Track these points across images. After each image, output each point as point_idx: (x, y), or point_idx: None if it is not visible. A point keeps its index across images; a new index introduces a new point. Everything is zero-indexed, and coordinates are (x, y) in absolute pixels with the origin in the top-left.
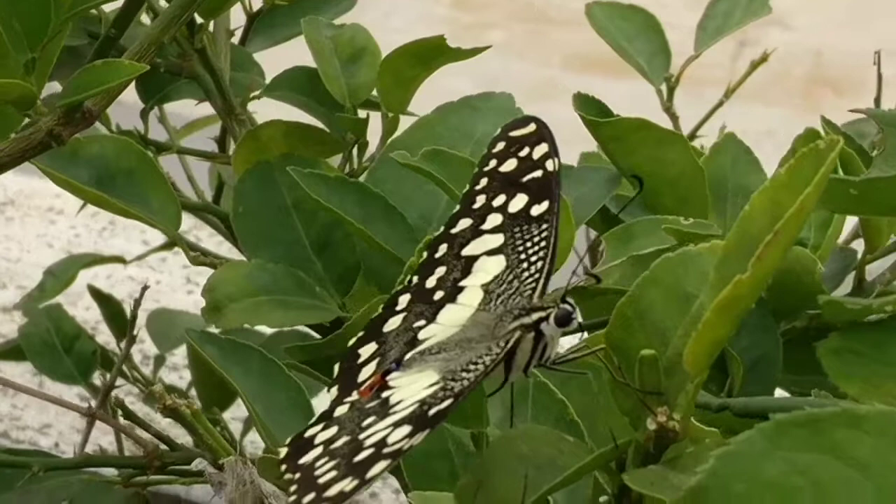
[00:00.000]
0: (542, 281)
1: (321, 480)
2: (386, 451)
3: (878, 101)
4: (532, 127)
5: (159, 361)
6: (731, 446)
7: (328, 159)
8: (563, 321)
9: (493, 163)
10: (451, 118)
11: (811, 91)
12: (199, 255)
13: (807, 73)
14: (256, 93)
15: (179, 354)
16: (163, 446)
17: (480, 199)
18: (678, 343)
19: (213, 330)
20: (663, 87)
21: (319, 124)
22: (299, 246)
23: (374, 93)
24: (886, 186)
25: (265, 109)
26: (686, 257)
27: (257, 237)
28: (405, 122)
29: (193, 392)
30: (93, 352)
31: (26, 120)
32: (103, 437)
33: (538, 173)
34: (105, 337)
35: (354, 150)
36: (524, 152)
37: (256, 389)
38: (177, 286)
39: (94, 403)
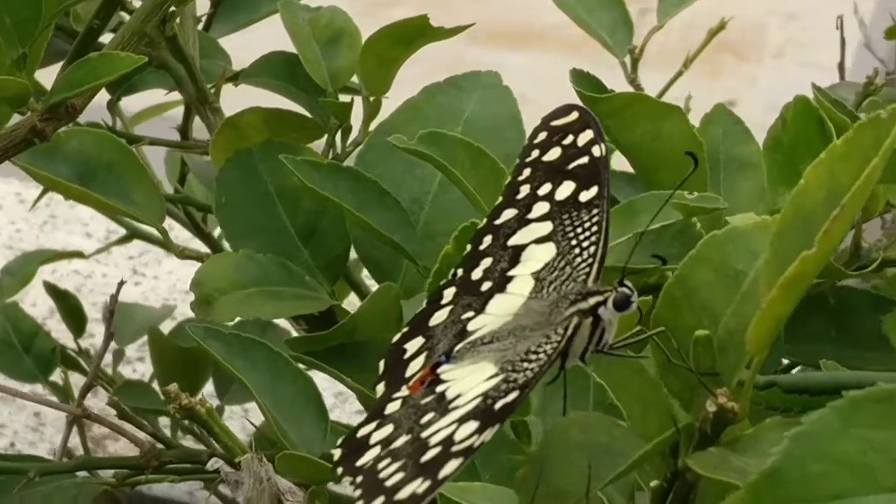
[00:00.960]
0: (595, 265)
1: (389, 483)
2: (455, 448)
3: (841, 64)
4: (575, 115)
5: (118, 356)
6: (804, 426)
7: (309, 145)
8: (622, 305)
9: (535, 153)
10: (437, 99)
11: (712, 56)
12: (184, 249)
13: (713, 41)
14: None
15: (131, 348)
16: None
17: (524, 189)
18: (730, 321)
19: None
20: (627, 60)
21: (299, 109)
22: (285, 235)
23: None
24: None
25: (233, 99)
26: (734, 234)
27: (242, 227)
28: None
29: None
30: (52, 349)
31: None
32: (59, 437)
33: (584, 160)
34: (54, 334)
35: (338, 136)
36: (568, 140)
37: (265, 383)
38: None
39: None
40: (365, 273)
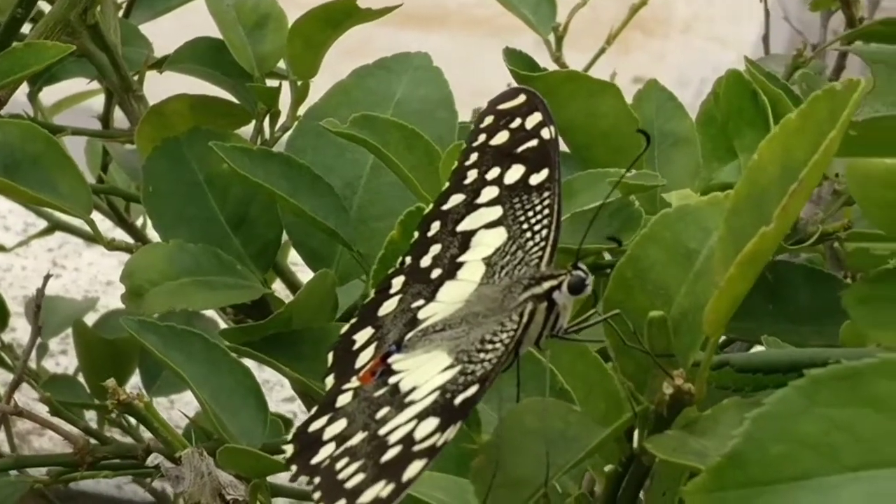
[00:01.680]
0: (548, 249)
1: (349, 485)
2: (417, 448)
3: (766, 37)
4: (522, 98)
5: (42, 350)
6: (765, 406)
7: (237, 131)
8: (577, 288)
9: (482, 137)
10: (367, 82)
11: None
12: (113, 240)
13: (615, 17)
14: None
15: (53, 341)
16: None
17: (472, 174)
18: (683, 301)
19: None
20: (551, 38)
21: (225, 96)
22: (215, 223)
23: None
24: (888, 126)
25: (157, 86)
26: (685, 213)
27: (171, 217)
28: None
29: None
30: None
31: None
32: None
33: (533, 142)
34: None
35: (266, 121)
36: (516, 123)
37: (202, 375)
38: (42, 271)
39: None
40: (290, 260)
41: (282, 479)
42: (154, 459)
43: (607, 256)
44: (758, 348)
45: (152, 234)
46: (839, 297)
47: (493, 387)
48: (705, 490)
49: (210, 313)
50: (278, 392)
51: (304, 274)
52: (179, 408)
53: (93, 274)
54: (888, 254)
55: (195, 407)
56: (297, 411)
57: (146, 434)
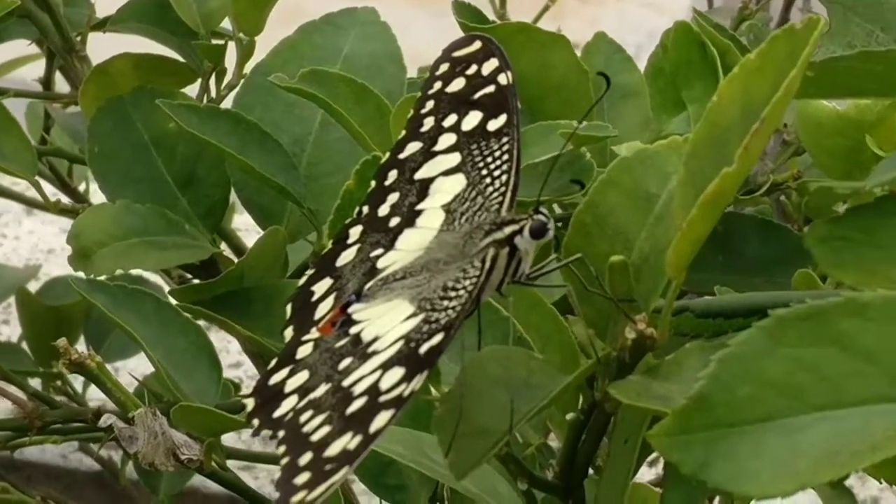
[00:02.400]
0: (509, 194)
1: (314, 437)
2: (383, 399)
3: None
4: (478, 44)
5: None
6: (731, 348)
7: (183, 90)
8: (539, 232)
9: (437, 84)
10: (314, 37)
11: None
12: (58, 202)
13: None
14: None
15: None
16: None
17: (428, 122)
18: (644, 246)
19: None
20: None
21: (170, 54)
22: (162, 183)
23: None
24: (845, 67)
25: (100, 46)
26: (644, 156)
27: (117, 177)
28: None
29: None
30: None
31: None
32: None
33: (490, 88)
34: None
35: (212, 79)
36: (472, 70)
37: (154, 335)
38: None
39: None
40: (236, 224)
41: (233, 439)
42: (107, 420)
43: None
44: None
45: (95, 199)
46: (789, 247)
47: (456, 337)
48: (671, 433)
49: (155, 278)
50: (224, 358)
51: (249, 239)
52: (123, 375)
53: (33, 242)
54: (849, 192)
55: (140, 374)
56: (242, 377)
57: (91, 402)
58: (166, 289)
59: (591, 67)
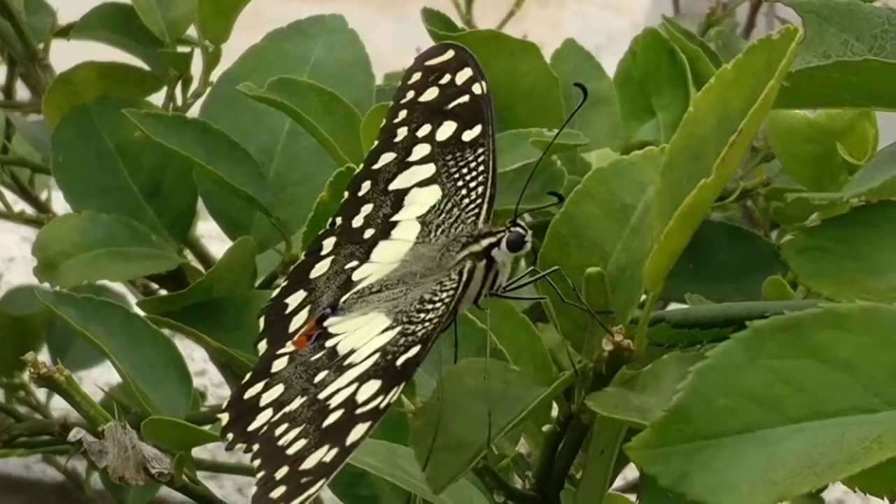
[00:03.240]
0: (485, 206)
1: (290, 451)
2: (360, 411)
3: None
4: (451, 53)
5: None
6: (709, 359)
7: (148, 98)
8: (516, 245)
9: (410, 94)
10: (282, 45)
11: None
12: (22, 212)
13: None
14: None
15: None
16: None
17: (402, 132)
18: (620, 257)
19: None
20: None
21: (135, 62)
22: (128, 193)
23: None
24: (821, 77)
25: (63, 55)
26: (620, 167)
27: (82, 187)
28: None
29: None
30: None
31: None
32: None
33: (465, 98)
34: None
35: (178, 87)
36: (445, 79)
37: (123, 348)
38: None
39: None
40: (200, 231)
41: (197, 449)
42: (76, 434)
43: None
44: (674, 306)
45: (57, 208)
46: (758, 254)
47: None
48: (649, 446)
49: (119, 289)
50: (188, 365)
51: (213, 246)
52: (87, 385)
53: None
54: (826, 203)
55: (104, 383)
56: (208, 384)
57: (55, 411)
58: (130, 298)
59: (559, 74)
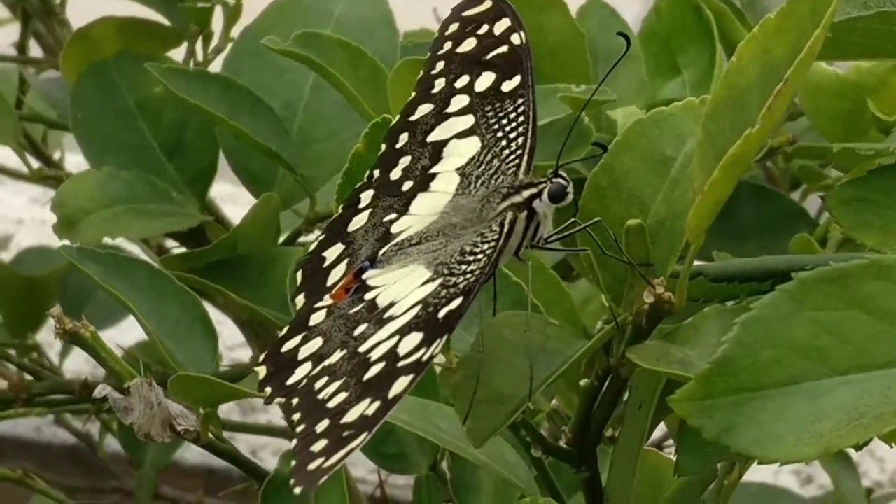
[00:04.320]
0: (525, 157)
1: (331, 404)
2: (402, 364)
3: None
4: (488, 4)
5: None
6: (754, 311)
7: (168, 53)
8: (558, 196)
9: (448, 45)
10: (304, 0)
11: None
12: (41, 169)
13: None
14: None
15: None
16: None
17: (439, 83)
18: (660, 209)
19: None
20: None
21: (155, 17)
22: (148, 149)
23: None
24: (862, 27)
25: (80, 10)
26: (659, 118)
27: (102, 144)
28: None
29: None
30: None
31: None
32: None
33: (503, 49)
34: None
35: (198, 43)
36: (483, 30)
37: (147, 304)
38: None
39: None
40: (212, 193)
41: (231, 412)
42: (102, 391)
43: None
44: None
45: (70, 168)
46: (782, 212)
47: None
48: (694, 398)
49: (132, 248)
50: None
51: (226, 209)
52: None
53: (3, 212)
54: (872, 154)
55: (117, 345)
56: (221, 347)
57: (67, 375)
58: (143, 258)
59: (585, 31)
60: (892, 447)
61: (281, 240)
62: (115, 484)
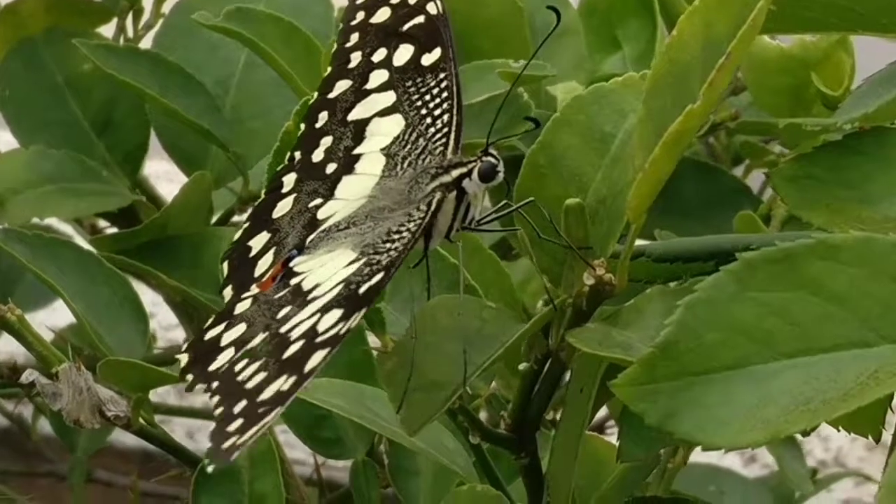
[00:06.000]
0: (453, 135)
1: (249, 385)
2: (320, 339)
3: None
4: None
5: None
6: (698, 293)
7: (97, 30)
8: (488, 175)
9: (360, 15)
10: None
11: None
12: None
13: None
14: None
15: None
16: None
17: (355, 57)
18: (600, 188)
19: None
20: None
21: None
22: (77, 128)
23: None
24: (807, 0)
25: None
26: (599, 94)
27: (30, 122)
28: None
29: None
30: None
31: None
32: None
33: (420, 19)
34: None
35: (128, 19)
36: None
37: (76, 286)
38: None
39: None
40: (147, 171)
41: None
42: (29, 376)
43: None
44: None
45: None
46: (724, 189)
47: (401, 287)
48: (636, 383)
49: (65, 230)
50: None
51: (161, 187)
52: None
53: None
54: (819, 129)
55: (47, 328)
56: (156, 327)
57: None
58: (78, 241)
59: (525, 4)
60: (838, 431)
61: (214, 219)
62: (48, 468)
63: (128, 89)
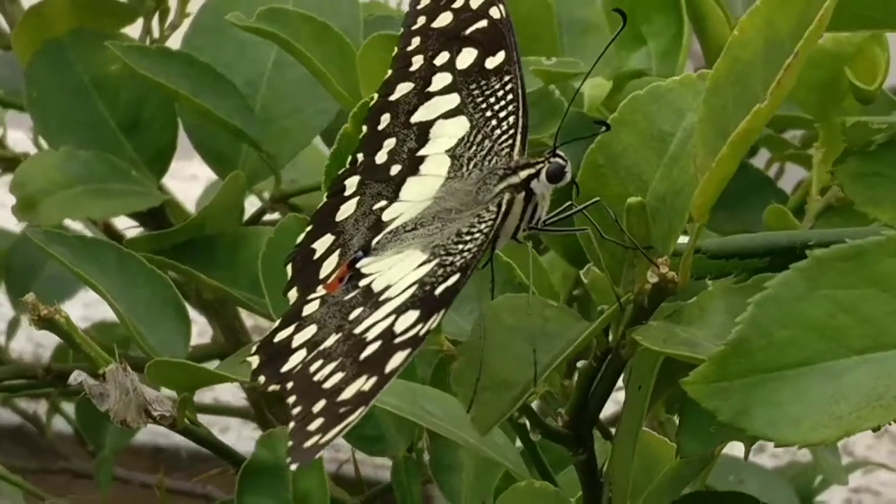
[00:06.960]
0: (519, 136)
1: (327, 385)
2: (398, 340)
3: None
4: None
5: None
6: (769, 290)
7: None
8: (556, 176)
9: (421, 20)
10: None
11: None
12: None
13: None
14: None
15: None
16: None
17: (417, 60)
18: (659, 186)
19: None
20: None
21: None
22: (105, 128)
23: None
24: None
25: None
26: (657, 94)
27: (58, 123)
28: None
29: None
30: None
31: None
32: None
33: (483, 23)
34: None
35: (154, 19)
36: (458, 3)
37: (118, 287)
38: None
39: None
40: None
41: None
42: (77, 377)
43: None
44: None
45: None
46: (749, 181)
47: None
48: (708, 380)
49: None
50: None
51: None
52: None
53: None
54: (885, 127)
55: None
56: None
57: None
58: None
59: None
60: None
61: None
62: (62, 465)
63: (160, 90)
